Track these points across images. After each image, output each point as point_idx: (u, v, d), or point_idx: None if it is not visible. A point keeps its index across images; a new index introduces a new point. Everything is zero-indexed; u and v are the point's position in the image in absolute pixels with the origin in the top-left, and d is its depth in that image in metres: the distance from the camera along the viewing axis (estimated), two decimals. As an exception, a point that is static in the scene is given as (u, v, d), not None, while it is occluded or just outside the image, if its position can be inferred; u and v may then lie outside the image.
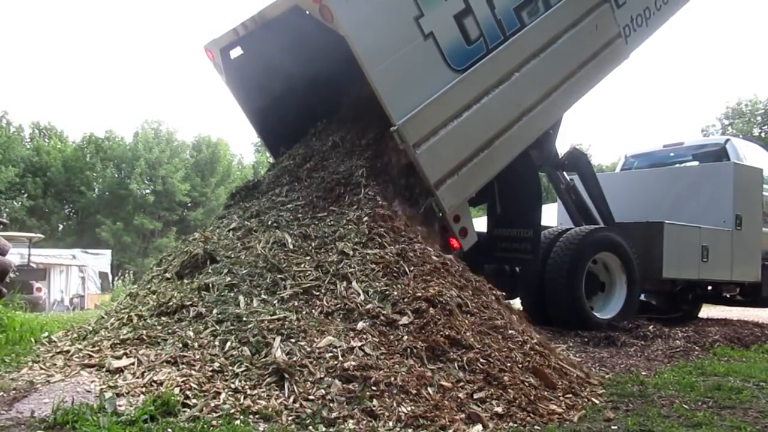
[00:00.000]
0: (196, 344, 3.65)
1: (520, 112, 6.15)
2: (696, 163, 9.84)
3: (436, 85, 5.51)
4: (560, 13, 6.36)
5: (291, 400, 3.20)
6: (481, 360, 3.84)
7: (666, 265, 7.76)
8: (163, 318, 4.07)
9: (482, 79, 5.80)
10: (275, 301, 4.06)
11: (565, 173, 8.06)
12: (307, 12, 5.34)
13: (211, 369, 3.42)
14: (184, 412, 3.01)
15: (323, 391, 3.26)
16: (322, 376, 3.38)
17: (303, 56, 5.97)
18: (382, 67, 5.21)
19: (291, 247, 4.71)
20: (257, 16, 6.00)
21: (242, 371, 3.40)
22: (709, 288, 9.40)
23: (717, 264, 8.36)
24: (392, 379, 3.40)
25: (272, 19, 5.88)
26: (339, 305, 4.07)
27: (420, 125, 5.37)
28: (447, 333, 3.93)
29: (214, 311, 3.97)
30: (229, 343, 3.64)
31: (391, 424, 3.10)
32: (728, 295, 9.69)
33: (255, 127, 6.93)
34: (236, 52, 6.49)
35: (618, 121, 70.69)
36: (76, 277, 23.37)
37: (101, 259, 25.99)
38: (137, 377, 3.36)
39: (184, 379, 3.30)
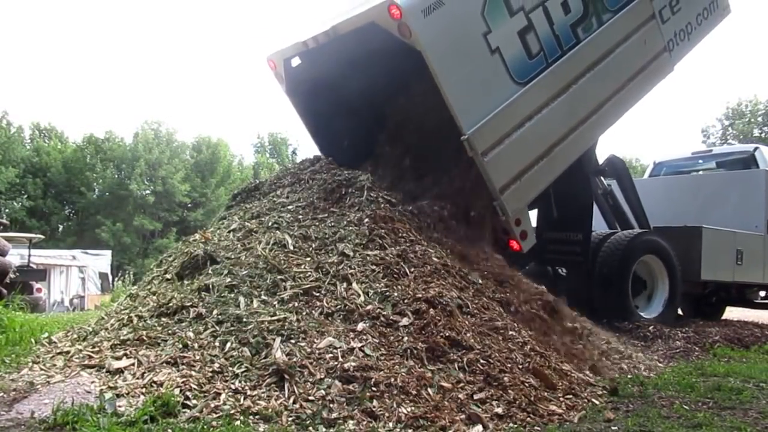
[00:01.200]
0: (196, 345, 3.66)
1: (577, 122, 6.48)
2: (722, 170, 10.12)
3: (501, 96, 5.81)
4: (612, 29, 6.72)
5: (291, 400, 3.20)
6: (481, 361, 3.84)
7: (704, 268, 8.05)
8: (163, 319, 4.07)
9: (543, 91, 6.12)
10: (275, 302, 4.06)
11: (603, 179, 8.30)
12: (383, 28, 5.40)
13: (211, 370, 3.42)
14: (184, 412, 3.02)
15: (323, 392, 3.27)
16: (322, 376, 3.39)
17: (367, 71, 6.04)
18: (454, 80, 5.45)
19: (291, 248, 4.71)
20: (330, 30, 6.06)
21: (242, 372, 3.41)
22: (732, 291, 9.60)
23: (750, 267, 8.71)
24: (392, 379, 3.40)
25: (343, 35, 5.95)
26: (339, 306, 4.08)
27: (487, 135, 5.65)
28: (447, 334, 3.93)
29: (214, 312, 3.97)
30: (229, 344, 3.64)
31: (391, 424, 3.10)
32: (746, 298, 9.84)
33: (315, 140, 7.04)
34: (295, 61, 6.61)
35: (618, 121, 70.56)
36: (76, 277, 23.32)
37: (101, 260, 25.94)
38: (137, 378, 3.37)
39: (184, 379, 3.31)
